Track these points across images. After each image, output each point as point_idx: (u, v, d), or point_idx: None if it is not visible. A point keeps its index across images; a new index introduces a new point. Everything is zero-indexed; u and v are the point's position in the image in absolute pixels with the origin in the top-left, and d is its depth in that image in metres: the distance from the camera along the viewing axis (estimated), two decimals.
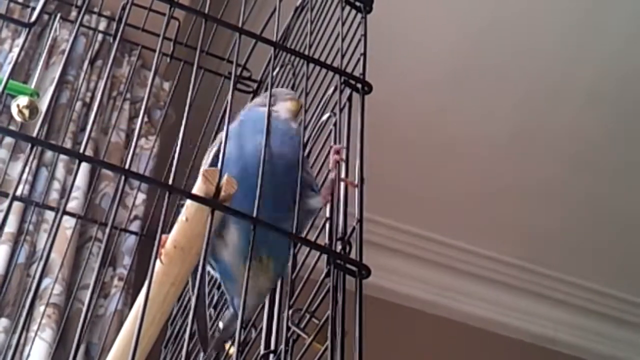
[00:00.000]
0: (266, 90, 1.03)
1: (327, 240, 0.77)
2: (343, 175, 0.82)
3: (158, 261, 0.79)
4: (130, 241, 1.55)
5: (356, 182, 0.80)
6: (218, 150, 0.82)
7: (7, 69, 1.64)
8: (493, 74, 2.12)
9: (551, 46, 2.07)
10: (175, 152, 0.74)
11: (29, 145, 0.68)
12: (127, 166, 0.70)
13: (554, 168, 2.26)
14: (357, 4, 0.98)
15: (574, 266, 2.46)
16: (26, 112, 0.75)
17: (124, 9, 1.16)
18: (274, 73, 1.10)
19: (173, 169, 0.72)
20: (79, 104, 1.67)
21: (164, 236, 0.79)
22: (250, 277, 0.76)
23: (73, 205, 1.50)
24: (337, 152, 0.85)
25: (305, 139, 0.87)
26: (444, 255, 2.43)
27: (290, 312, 0.75)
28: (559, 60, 2.09)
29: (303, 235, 0.84)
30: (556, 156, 2.25)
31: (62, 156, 1.51)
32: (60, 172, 1.55)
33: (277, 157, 0.81)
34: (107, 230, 0.70)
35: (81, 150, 0.70)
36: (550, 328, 2.49)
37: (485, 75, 2.12)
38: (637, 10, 2.00)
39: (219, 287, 1.02)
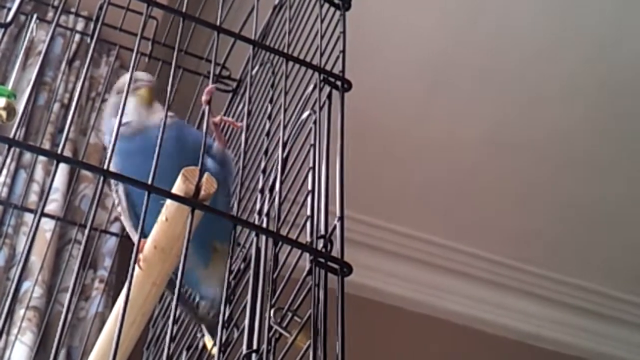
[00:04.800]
0: (246, 89, 1.03)
1: (308, 239, 0.76)
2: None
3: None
4: (111, 243, 1.54)
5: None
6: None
7: None
8: (474, 73, 2.12)
9: (530, 45, 2.07)
10: (155, 151, 0.74)
11: (7, 147, 0.67)
12: (106, 167, 0.70)
13: (536, 166, 2.27)
14: (336, 1, 0.97)
15: (556, 263, 2.46)
16: (3, 113, 0.74)
17: (101, 8, 1.15)
18: (253, 71, 1.10)
19: (152, 168, 0.71)
20: (57, 105, 1.66)
21: (142, 240, 0.78)
22: (214, 267, 0.85)
23: (52, 207, 1.49)
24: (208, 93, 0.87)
25: (285, 138, 0.87)
26: (426, 252, 2.43)
27: (273, 311, 0.75)
28: (538, 59, 2.09)
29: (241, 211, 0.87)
30: (538, 154, 2.25)
31: (40, 157, 1.50)
32: (39, 173, 1.54)
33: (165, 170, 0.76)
34: (87, 231, 0.69)
35: (59, 152, 0.69)
36: (534, 324, 2.49)
37: (466, 74, 2.12)
38: (615, 8, 2.01)
39: None
